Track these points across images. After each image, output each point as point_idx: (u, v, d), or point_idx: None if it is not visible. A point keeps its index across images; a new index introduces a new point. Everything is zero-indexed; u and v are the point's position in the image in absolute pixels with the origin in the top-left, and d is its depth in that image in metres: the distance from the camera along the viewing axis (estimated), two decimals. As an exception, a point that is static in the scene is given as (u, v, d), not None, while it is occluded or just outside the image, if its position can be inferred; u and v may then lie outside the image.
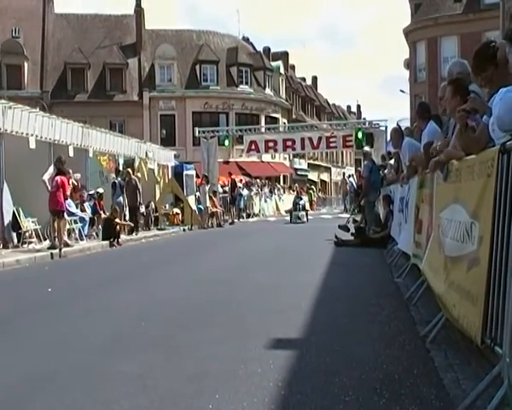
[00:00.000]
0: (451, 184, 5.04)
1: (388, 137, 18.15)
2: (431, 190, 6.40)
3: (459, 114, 4.63)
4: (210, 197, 25.88)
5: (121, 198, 19.16)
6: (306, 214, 27.96)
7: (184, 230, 23.80)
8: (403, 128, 11.78)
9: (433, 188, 6.16)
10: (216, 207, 26.55)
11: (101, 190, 18.90)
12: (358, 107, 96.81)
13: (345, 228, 16.25)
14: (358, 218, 17.41)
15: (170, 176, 26.61)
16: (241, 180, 36.51)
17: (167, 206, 25.69)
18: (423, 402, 3.72)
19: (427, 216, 6.79)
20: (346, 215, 21.17)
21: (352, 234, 15.57)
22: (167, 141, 43.76)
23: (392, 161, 13.70)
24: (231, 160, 45.13)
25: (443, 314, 4.99)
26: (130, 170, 20.98)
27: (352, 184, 34.40)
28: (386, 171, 15.47)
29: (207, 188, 25.86)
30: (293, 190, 41.65)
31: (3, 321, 6.66)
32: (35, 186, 15.16)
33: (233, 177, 33.32)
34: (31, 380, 4.41)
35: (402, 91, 48.19)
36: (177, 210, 25.35)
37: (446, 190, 5.30)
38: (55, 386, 4.26)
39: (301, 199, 29.25)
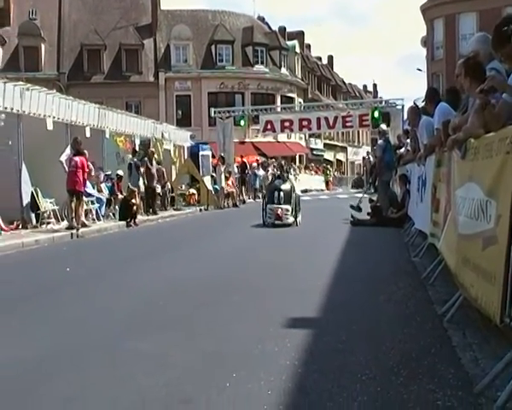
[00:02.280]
0: (469, 162, 4.97)
1: (405, 116, 17.96)
2: (448, 169, 6.33)
3: (479, 95, 4.57)
4: (226, 177, 25.90)
5: (137, 179, 19.17)
6: (295, 211, 15.14)
7: (201, 210, 23.84)
8: (420, 107, 11.65)
9: (451, 166, 6.10)
10: (232, 188, 26.56)
11: (121, 173, 19.00)
12: (375, 86, 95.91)
13: (357, 208, 16.15)
14: (375, 197, 17.29)
15: (186, 156, 26.71)
16: (257, 160, 36.43)
17: (183, 186, 25.75)
18: (441, 381, 3.70)
19: (444, 195, 6.73)
20: (366, 195, 20.90)
21: (368, 213, 15.48)
22: (183, 121, 43.72)
23: (408, 140, 13.57)
24: (247, 140, 44.96)
25: (460, 293, 4.96)
26: (153, 150, 21.08)
27: (370, 161, 34.12)
28: (402, 150, 15.33)
29: (223, 168, 25.86)
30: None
31: (23, 300, 6.73)
32: (53, 167, 15.32)
33: (243, 159, 33.22)
34: (49, 358, 4.46)
35: (419, 70, 47.53)
36: (193, 190, 25.39)
37: (463, 169, 5.23)
38: (73, 363, 4.30)
39: (284, 182, 16.00)
